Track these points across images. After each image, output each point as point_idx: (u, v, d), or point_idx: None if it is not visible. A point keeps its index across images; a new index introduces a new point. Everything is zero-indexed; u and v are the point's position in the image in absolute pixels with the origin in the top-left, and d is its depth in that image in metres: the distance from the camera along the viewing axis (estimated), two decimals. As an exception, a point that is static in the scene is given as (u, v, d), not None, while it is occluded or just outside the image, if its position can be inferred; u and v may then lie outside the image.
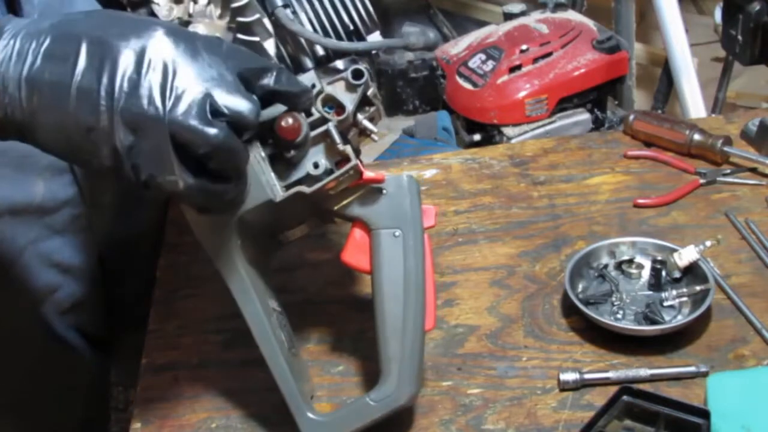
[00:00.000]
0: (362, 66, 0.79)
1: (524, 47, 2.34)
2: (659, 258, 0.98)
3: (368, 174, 0.79)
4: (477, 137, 2.40)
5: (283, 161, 0.78)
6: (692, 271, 0.96)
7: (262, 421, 0.88)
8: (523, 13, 2.52)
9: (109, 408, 1.24)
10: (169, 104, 0.66)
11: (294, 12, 0.87)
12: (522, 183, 1.18)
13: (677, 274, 0.97)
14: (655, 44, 2.69)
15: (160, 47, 0.67)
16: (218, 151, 0.68)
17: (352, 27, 0.88)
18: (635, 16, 2.43)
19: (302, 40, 0.87)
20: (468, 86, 2.38)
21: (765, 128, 1.17)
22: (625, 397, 0.81)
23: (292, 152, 0.77)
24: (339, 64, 0.89)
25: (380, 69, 2.81)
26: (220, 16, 0.85)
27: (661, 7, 2.16)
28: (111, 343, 1.15)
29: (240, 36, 0.84)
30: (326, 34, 0.88)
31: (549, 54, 2.34)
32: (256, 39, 0.84)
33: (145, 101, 0.65)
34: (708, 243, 0.96)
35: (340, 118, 0.78)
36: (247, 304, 0.81)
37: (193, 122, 0.66)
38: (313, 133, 0.78)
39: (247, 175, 0.75)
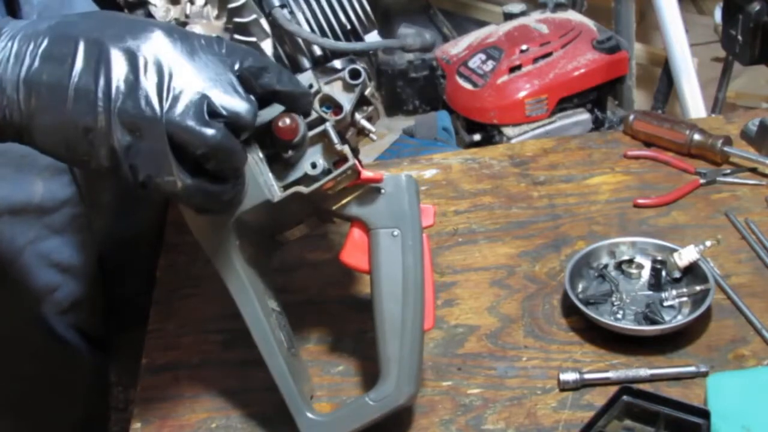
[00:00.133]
0: (359, 66, 0.79)
1: (524, 47, 2.35)
2: (659, 258, 0.98)
3: (366, 174, 0.79)
4: (477, 137, 2.40)
5: (281, 161, 0.78)
6: (692, 271, 0.96)
7: (262, 421, 0.88)
8: (523, 13, 2.52)
9: (109, 408, 1.23)
10: (166, 105, 0.66)
11: (291, 12, 0.86)
12: (522, 183, 1.18)
13: (677, 274, 0.97)
14: (655, 44, 2.69)
15: (157, 48, 0.67)
16: (216, 151, 0.68)
17: (349, 27, 0.88)
18: (635, 16, 2.43)
19: (299, 40, 0.87)
20: (468, 86, 2.38)
21: (765, 128, 1.17)
22: (625, 397, 0.81)
23: (290, 152, 0.77)
24: (337, 63, 0.88)
25: (380, 69, 2.81)
26: (217, 17, 0.85)
27: (661, 7, 2.16)
28: (110, 343, 1.15)
29: (237, 36, 0.84)
30: (323, 34, 0.87)
31: (549, 54, 2.35)
32: (253, 39, 0.84)
33: (142, 102, 0.65)
34: (708, 243, 0.96)
35: (338, 118, 0.78)
36: (246, 304, 0.81)
37: (191, 123, 0.66)
38: (311, 133, 0.77)
39: (244, 175, 0.75)
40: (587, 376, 0.88)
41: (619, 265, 0.99)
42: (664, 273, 0.97)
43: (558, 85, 2.31)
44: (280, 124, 0.75)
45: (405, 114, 2.88)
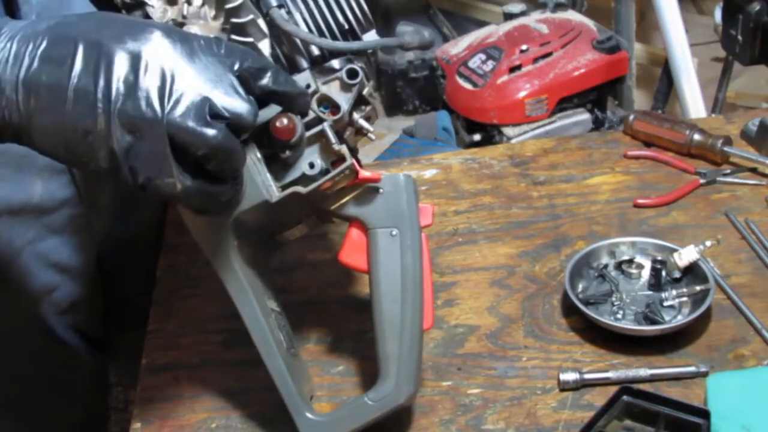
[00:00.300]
0: (357, 65, 0.79)
1: (524, 47, 2.35)
2: (659, 258, 0.97)
3: (364, 173, 0.79)
4: (477, 137, 2.40)
5: (278, 162, 0.78)
6: (692, 271, 0.96)
7: (262, 421, 0.88)
8: (523, 13, 2.52)
9: (109, 408, 1.23)
10: (167, 107, 0.65)
11: (289, 12, 0.86)
12: (522, 183, 1.18)
13: (677, 274, 0.97)
14: (655, 44, 2.69)
15: (157, 49, 0.66)
16: (217, 152, 0.67)
17: (347, 26, 0.88)
18: (635, 16, 2.43)
19: (297, 41, 0.87)
20: (468, 86, 2.38)
21: (765, 128, 1.17)
22: (625, 397, 0.81)
23: (288, 153, 0.77)
24: (335, 63, 0.88)
25: (380, 69, 2.81)
26: (215, 18, 0.84)
27: (661, 7, 2.16)
28: (110, 343, 1.15)
29: (234, 37, 0.84)
30: (321, 33, 0.87)
31: (549, 54, 2.35)
32: (251, 40, 0.84)
33: (142, 103, 0.65)
34: (708, 243, 0.96)
35: (336, 117, 0.78)
36: (245, 304, 0.81)
37: (192, 124, 0.66)
38: (309, 134, 0.77)
39: (243, 176, 0.75)
40: (587, 376, 0.88)
41: (619, 265, 0.99)
42: (664, 273, 0.97)
43: (558, 85, 2.31)
44: (278, 124, 0.75)
45: (405, 114, 2.89)
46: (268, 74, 0.71)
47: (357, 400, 0.82)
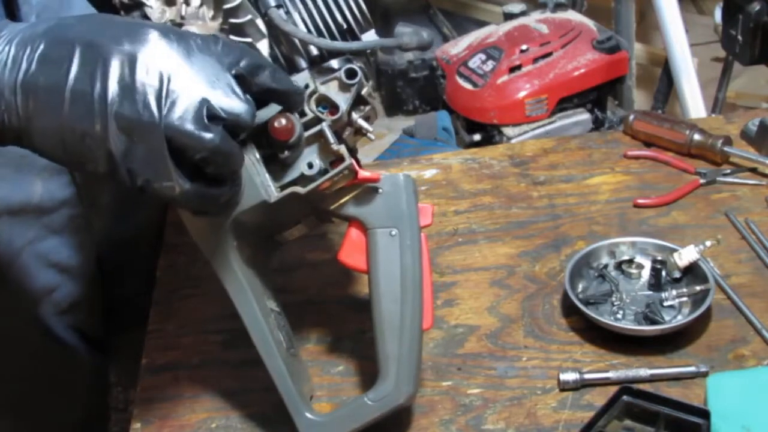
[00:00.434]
0: (356, 65, 0.79)
1: (524, 47, 2.35)
2: (659, 258, 0.97)
3: (363, 173, 0.79)
4: (477, 137, 2.40)
5: (277, 162, 0.77)
6: (692, 271, 0.96)
7: (262, 421, 0.88)
8: (523, 13, 2.52)
9: (109, 408, 1.23)
10: (165, 109, 0.65)
11: (287, 12, 0.86)
12: (522, 183, 1.18)
13: (677, 274, 0.97)
14: (655, 44, 2.69)
15: (154, 51, 0.66)
16: (215, 155, 0.67)
17: (345, 26, 0.88)
18: (635, 16, 2.43)
19: (296, 41, 0.87)
20: (468, 86, 2.38)
21: (765, 128, 1.17)
22: (625, 397, 0.81)
23: (287, 153, 0.77)
24: (333, 63, 0.88)
25: (380, 69, 2.81)
26: (213, 18, 0.84)
27: (661, 7, 2.16)
28: (110, 344, 1.15)
29: (233, 37, 0.84)
30: (320, 33, 0.87)
31: (549, 54, 2.35)
32: (249, 40, 0.84)
33: (140, 106, 0.65)
34: (708, 243, 0.96)
35: (334, 117, 0.78)
36: (244, 304, 0.80)
37: (190, 127, 0.65)
38: (307, 134, 0.77)
39: (241, 177, 0.75)
40: (587, 376, 0.88)
41: (619, 265, 0.99)
42: (664, 273, 0.97)
43: (558, 85, 2.31)
44: (276, 124, 0.75)
45: (405, 114, 2.88)
46: (266, 71, 0.71)
47: (357, 400, 0.82)
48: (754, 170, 1.14)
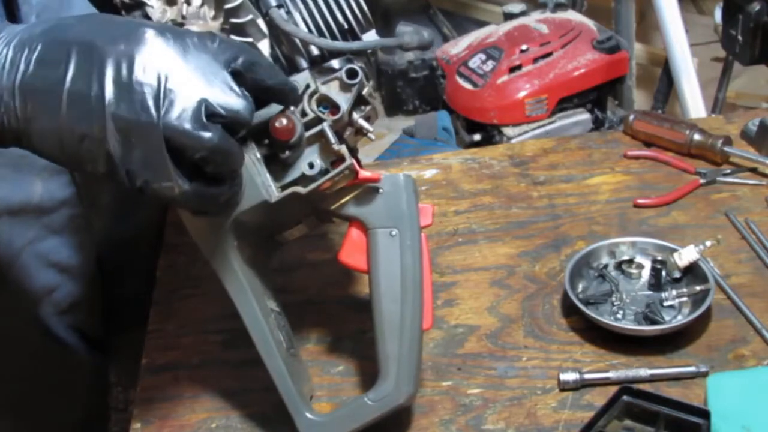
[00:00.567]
0: (357, 65, 0.79)
1: (524, 47, 2.35)
2: (659, 258, 0.97)
3: (364, 173, 0.79)
4: (477, 137, 2.40)
5: (278, 162, 0.77)
6: (692, 271, 0.96)
7: (262, 421, 0.88)
8: (523, 13, 2.52)
9: (109, 408, 1.23)
10: (162, 109, 0.65)
11: (288, 12, 0.86)
12: (522, 183, 1.18)
13: (677, 274, 0.97)
14: (655, 44, 2.69)
15: (151, 50, 0.66)
16: (215, 154, 0.67)
17: (346, 26, 0.88)
18: (635, 16, 2.43)
19: (297, 41, 0.87)
20: (468, 86, 2.38)
21: (765, 128, 1.17)
22: (625, 397, 0.81)
23: (287, 153, 0.77)
24: (334, 63, 0.88)
25: (380, 69, 2.81)
26: (214, 18, 0.85)
27: (661, 7, 2.16)
28: (110, 344, 1.15)
29: (234, 37, 0.84)
30: (321, 33, 0.87)
31: (549, 54, 2.35)
32: (250, 40, 0.84)
33: (137, 106, 0.64)
34: (708, 243, 0.96)
35: (335, 117, 0.78)
36: (244, 305, 0.80)
37: (188, 126, 0.65)
38: (308, 134, 0.77)
39: (241, 176, 0.75)
40: (587, 376, 0.88)
41: (619, 265, 0.99)
42: (664, 273, 0.97)
43: (558, 85, 2.31)
44: (277, 124, 0.75)
45: (405, 114, 2.88)
46: (262, 68, 0.71)
47: (357, 400, 0.82)
48: (754, 170, 1.14)
